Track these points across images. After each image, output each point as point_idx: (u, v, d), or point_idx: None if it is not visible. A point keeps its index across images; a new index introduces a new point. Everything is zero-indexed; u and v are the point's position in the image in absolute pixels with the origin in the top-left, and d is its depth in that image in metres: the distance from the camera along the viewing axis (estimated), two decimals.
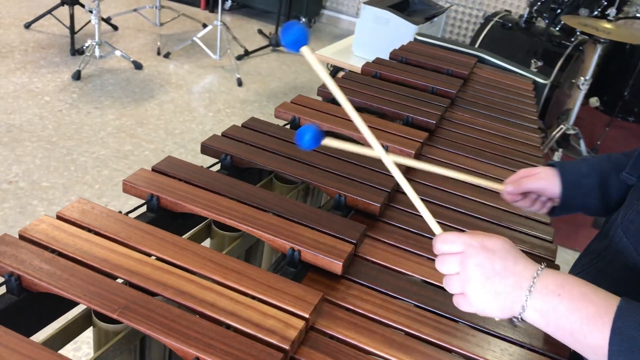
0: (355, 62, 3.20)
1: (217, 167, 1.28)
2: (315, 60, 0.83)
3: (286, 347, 0.79)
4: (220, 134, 1.36)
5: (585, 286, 0.69)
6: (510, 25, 3.75)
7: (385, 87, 1.81)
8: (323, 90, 1.73)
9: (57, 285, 0.83)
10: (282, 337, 0.80)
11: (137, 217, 1.06)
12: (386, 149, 1.42)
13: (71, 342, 0.84)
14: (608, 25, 3.16)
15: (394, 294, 0.98)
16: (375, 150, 0.85)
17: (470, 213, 1.26)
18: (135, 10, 4.87)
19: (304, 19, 5.35)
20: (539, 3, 3.72)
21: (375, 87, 1.80)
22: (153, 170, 1.17)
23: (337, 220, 1.09)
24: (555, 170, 1.09)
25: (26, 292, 0.85)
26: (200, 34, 4.32)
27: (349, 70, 1.94)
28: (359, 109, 1.66)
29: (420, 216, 1.23)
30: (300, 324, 0.83)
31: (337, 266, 0.98)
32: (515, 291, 0.71)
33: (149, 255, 0.93)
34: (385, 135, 1.47)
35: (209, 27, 4.36)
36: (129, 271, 0.88)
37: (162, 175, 1.15)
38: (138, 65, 4.05)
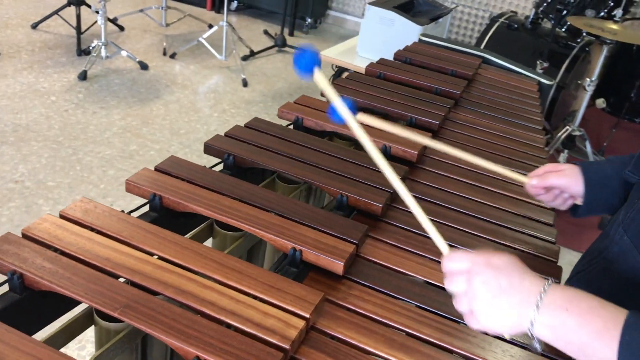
0: (359, 62, 3.20)
1: (220, 167, 1.29)
2: (326, 84, 0.86)
3: (286, 346, 0.79)
4: (223, 134, 1.36)
5: (592, 300, 0.69)
6: (516, 26, 3.74)
7: (389, 88, 1.81)
8: None
9: (59, 284, 0.83)
10: (282, 337, 0.80)
11: (140, 217, 1.06)
12: (389, 149, 1.42)
13: (76, 341, 0.85)
14: (614, 26, 3.15)
15: (395, 294, 0.98)
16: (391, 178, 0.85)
17: (472, 214, 1.26)
18: (141, 10, 4.88)
19: (309, 20, 5.36)
20: (545, 4, 3.71)
21: (379, 87, 1.80)
22: (156, 169, 1.17)
23: (339, 221, 1.09)
24: (580, 169, 1.09)
25: (28, 291, 0.85)
26: (206, 35, 4.33)
27: (353, 71, 1.94)
28: (363, 109, 1.66)
29: None
30: (301, 323, 0.83)
31: (338, 266, 0.98)
32: (522, 307, 0.70)
33: (151, 254, 0.93)
34: (388, 135, 1.46)
35: (215, 28, 4.37)
36: (130, 270, 0.88)
37: (165, 175, 1.15)
38: (144, 66, 4.06)
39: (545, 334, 0.70)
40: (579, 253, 2.82)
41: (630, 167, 1.00)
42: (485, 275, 0.73)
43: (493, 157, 1.53)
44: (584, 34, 3.56)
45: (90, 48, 4.00)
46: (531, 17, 3.76)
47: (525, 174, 1.14)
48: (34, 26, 4.42)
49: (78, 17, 3.96)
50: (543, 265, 1.13)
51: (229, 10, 4.32)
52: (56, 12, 4.32)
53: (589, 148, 3.53)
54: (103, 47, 3.97)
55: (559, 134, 3.47)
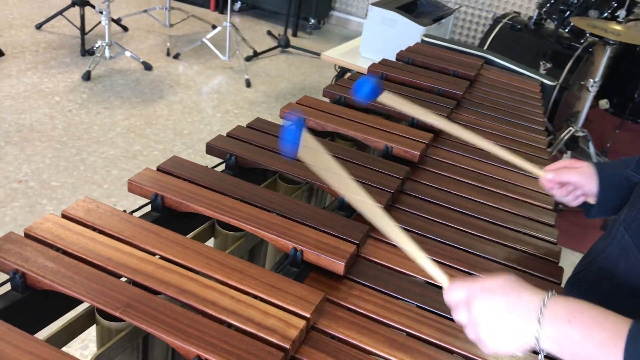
0: (362, 63, 3.20)
1: (222, 167, 1.29)
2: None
3: (287, 346, 0.79)
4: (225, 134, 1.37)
5: (594, 310, 0.68)
6: (519, 26, 3.74)
7: (391, 88, 1.81)
8: (329, 91, 1.73)
9: (61, 283, 0.84)
10: (282, 337, 0.81)
11: (142, 216, 1.07)
12: (391, 150, 1.42)
13: (79, 340, 0.86)
14: (618, 27, 3.14)
15: (396, 294, 0.98)
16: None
17: (473, 214, 1.26)
18: (145, 11, 4.90)
19: (313, 20, 5.37)
20: (548, 5, 3.70)
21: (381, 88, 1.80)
22: (158, 170, 1.18)
23: (340, 221, 1.10)
24: (595, 169, 1.09)
25: (30, 290, 0.86)
26: (209, 35, 4.34)
27: (356, 72, 1.95)
28: (365, 110, 1.66)
29: (424, 217, 1.23)
30: (301, 323, 0.83)
31: (339, 266, 0.98)
32: (524, 324, 0.70)
33: (153, 254, 0.94)
34: (390, 136, 1.47)
35: (218, 29, 4.38)
36: (132, 269, 0.89)
37: (167, 175, 1.16)
38: (147, 66, 4.07)
39: (551, 347, 0.69)
40: (581, 254, 2.81)
41: (633, 166, 1.01)
42: (482, 300, 0.73)
43: (495, 158, 1.53)
44: (588, 34, 3.55)
45: (94, 48, 4.01)
46: (534, 17, 3.76)
47: (541, 168, 1.14)
48: (38, 27, 4.43)
49: (82, 17, 3.98)
50: (544, 266, 1.13)
51: (232, 10, 4.33)
52: (60, 13, 4.34)
53: (592, 149, 3.53)
54: (107, 47, 3.99)
55: (562, 135, 3.46)
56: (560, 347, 0.68)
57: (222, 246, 1.15)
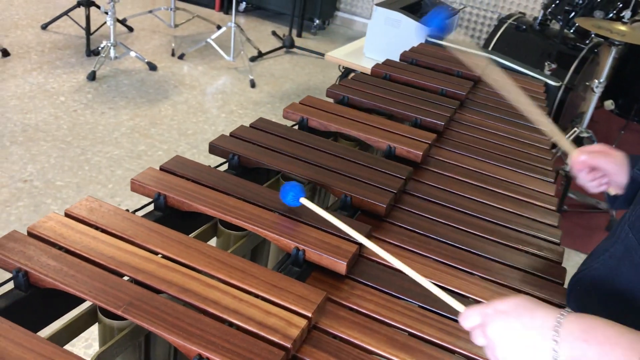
0: (366, 63, 3.20)
1: (225, 166, 1.29)
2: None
3: (288, 345, 0.80)
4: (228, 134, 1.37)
5: (609, 328, 0.68)
6: (524, 27, 3.73)
7: (394, 89, 1.81)
8: (332, 91, 1.74)
9: (64, 282, 0.84)
10: (284, 336, 0.81)
11: (145, 216, 1.07)
12: (394, 150, 1.42)
13: (82, 340, 0.86)
14: (623, 28, 3.13)
15: (397, 294, 0.98)
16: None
17: (476, 214, 1.26)
18: (150, 11, 4.91)
19: (317, 21, 5.37)
20: (553, 5, 3.69)
21: (384, 88, 1.80)
22: (161, 169, 1.18)
23: (343, 221, 1.09)
24: (628, 161, 1.07)
25: (33, 288, 0.86)
26: (214, 36, 4.35)
27: (360, 72, 1.95)
28: (368, 110, 1.66)
29: (426, 217, 1.23)
30: (303, 322, 0.83)
31: (341, 266, 0.98)
32: (540, 344, 0.70)
33: (155, 253, 0.94)
34: (393, 136, 1.47)
35: (223, 29, 4.39)
36: (134, 268, 0.89)
37: (170, 175, 1.16)
38: (152, 67, 4.08)
39: None
40: (586, 255, 2.80)
41: (639, 165, 1.00)
42: (496, 323, 0.73)
43: (498, 158, 1.53)
44: (593, 35, 3.54)
45: (100, 49, 4.02)
46: (539, 18, 3.75)
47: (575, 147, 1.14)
48: (44, 27, 4.45)
49: (87, 18, 3.99)
50: (547, 267, 1.13)
51: (237, 11, 4.34)
52: (66, 13, 4.35)
53: None
54: (112, 47, 4.00)
55: (567, 136, 3.45)
56: None
57: (224, 245, 1.16)
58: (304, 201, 1.04)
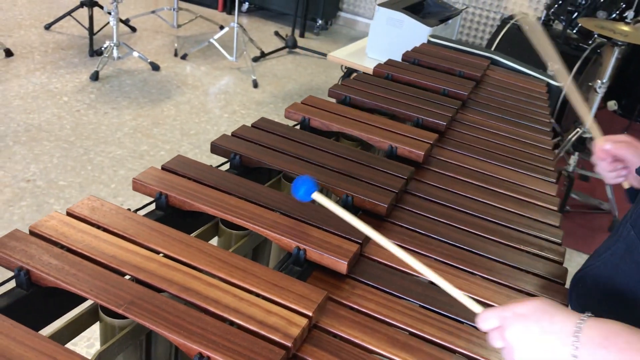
0: (368, 63, 3.20)
1: (227, 166, 1.29)
2: None
3: (288, 344, 0.80)
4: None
5: (629, 334, 0.68)
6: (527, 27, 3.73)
7: (396, 89, 1.81)
8: (334, 91, 1.74)
9: (65, 280, 0.85)
10: (284, 335, 0.81)
11: (146, 215, 1.07)
12: (395, 150, 1.42)
13: (84, 339, 0.86)
14: (626, 28, 3.13)
15: (398, 294, 0.98)
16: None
17: (478, 214, 1.26)
18: (153, 12, 4.92)
19: (320, 21, 5.37)
20: (556, 6, 3.69)
21: (386, 88, 1.81)
22: (162, 168, 1.18)
23: (344, 220, 1.10)
24: None
25: (35, 287, 0.87)
26: (217, 36, 4.36)
27: (362, 72, 1.95)
28: (370, 110, 1.66)
29: (428, 217, 1.23)
30: (303, 321, 0.83)
31: (342, 265, 0.98)
32: (559, 349, 0.69)
33: (157, 252, 0.94)
34: (395, 136, 1.47)
35: (226, 29, 4.39)
36: (136, 267, 0.89)
37: (172, 174, 1.16)
38: (155, 67, 4.09)
39: None
40: (588, 256, 2.80)
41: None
42: (515, 327, 0.73)
43: (500, 158, 1.53)
44: (596, 35, 3.54)
45: (103, 49, 4.03)
46: (542, 18, 3.75)
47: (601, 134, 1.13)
48: (47, 27, 4.46)
49: (90, 18, 4.00)
50: (548, 267, 1.13)
51: (240, 11, 4.34)
52: (69, 13, 4.36)
53: None
54: (115, 48, 4.01)
55: (570, 136, 3.45)
56: None
57: (225, 245, 1.16)
58: (315, 196, 1.00)
